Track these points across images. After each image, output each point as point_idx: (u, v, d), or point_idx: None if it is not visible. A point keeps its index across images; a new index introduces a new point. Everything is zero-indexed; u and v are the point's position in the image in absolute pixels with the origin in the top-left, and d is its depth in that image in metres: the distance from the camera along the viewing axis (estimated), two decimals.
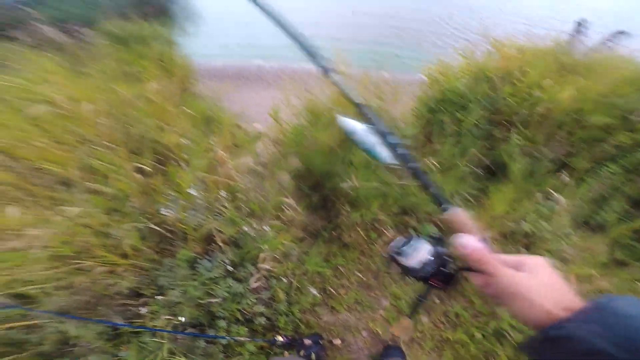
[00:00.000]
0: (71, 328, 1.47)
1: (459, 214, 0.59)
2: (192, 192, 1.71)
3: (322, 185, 2.22)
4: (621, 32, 2.70)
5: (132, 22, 3.85)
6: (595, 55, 2.65)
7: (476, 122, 2.39)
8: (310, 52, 0.63)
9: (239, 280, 1.81)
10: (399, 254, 0.66)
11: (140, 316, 1.64)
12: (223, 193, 1.78)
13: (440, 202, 0.60)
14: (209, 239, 1.89)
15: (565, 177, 2.26)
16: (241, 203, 1.88)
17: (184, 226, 1.79)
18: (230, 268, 1.80)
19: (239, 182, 1.87)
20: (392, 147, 0.62)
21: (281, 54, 7.88)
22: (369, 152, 0.71)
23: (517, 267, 0.53)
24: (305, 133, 2.14)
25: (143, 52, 3.15)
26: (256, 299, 1.82)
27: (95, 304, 1.64)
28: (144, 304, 1.67)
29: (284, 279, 1.96)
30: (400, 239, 0.68)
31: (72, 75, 2.53)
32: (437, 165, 2.23)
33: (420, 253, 0.64)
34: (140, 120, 1.97)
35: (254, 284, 1.81)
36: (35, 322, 1.44)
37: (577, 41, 2.73)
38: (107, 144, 1.91)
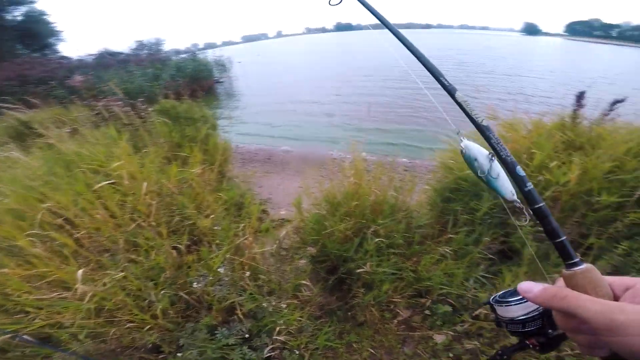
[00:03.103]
0: None
1: (592, 272, 0.46)
2: (221, 270, 1.95)
3: (338, 269, 2.37)
4: (619, 101, 2.67)
5: (184, 102, 4.37)
6: (598, 128, 2.66)
7: (489, 211, 2.48)
8: (434, 72, 0.62)
9: (254, 349, 1.97)
10: (501, 303, 0.59)
11: None
12: (247, 273, 1.99)
13: (569, 254, 0.47)
14: (230, 311, 2.09)
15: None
16: (263, 282, 2.07)
17: (210, 298, 2.01)
18: (247, 336, 1.97)
19: (261, 264, 2.08)
20: (519, 181, 0.53)
21: (308, 141, 8.65)
22: (491, 184, 0.62)
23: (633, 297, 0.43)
24: (324, 222, 2.35)
25: (191, 134, 3.62)
26: None
27: (119, 353, 1.91)
28: None
29: (297, 351, 2.08)
30: (509, 289, 0.61)
31: (134, 152, 2.97)
32: (452, 253, 2.33)
33: (526, 307, 0.56)
34: (182, 203, 2.29)
35: (267, 353, 1.96)
36: None
37: (579, 115, 2.71)
38: (152, 222, 2.23)
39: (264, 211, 3.69)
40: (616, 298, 0.44)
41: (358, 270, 2.20)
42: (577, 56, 36.19)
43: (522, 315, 0.56)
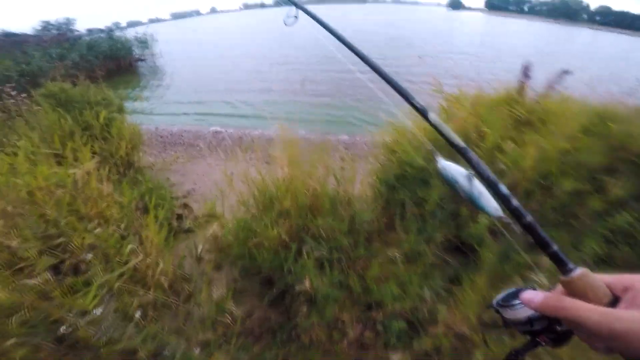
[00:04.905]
0: None
1: (587, 276, 0.46)
2: (96, 312, 1.41)
3: (274, 282, 1.94)
4: (565, 72, 2.54)
5: (80, 84, 3.53)
6: (546, 102, 2.50)
7: (439, 202, 2.19)
8: (405, 94, 0.64)
9: None
10: (505, 307, 0.57)
11: None
12: (138, 313, 1.48)
13: (563, 262, 0.47)
14: (132, 353, 1.57)
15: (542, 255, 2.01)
16: (167, 315, 1.57)
17: (94, 341, 1.49)
18: None
19: (167, 291, 1.57)
20: (503, 198, 0.53)
21: (241, 120, 7.90)
22: (475, 203, 0.60)
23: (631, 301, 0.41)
24: (252, 228, 1.87)
25: (86, 122, 2.88)
26: None
27: None
28: None
29: None
30: (510, 290, 0.58)
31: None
32: (402, 256, 2.01)
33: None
34: (58, 214, 1.67)
35: None
36: None
37: (526, 87, 2.54)
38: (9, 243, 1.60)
39: (185, 206, 3.05)
40: (616, 299, 0.43)
41: (298, 287, 1.78)
42: (497, 30, 39.50)
43: (529, 316, 0.53)
